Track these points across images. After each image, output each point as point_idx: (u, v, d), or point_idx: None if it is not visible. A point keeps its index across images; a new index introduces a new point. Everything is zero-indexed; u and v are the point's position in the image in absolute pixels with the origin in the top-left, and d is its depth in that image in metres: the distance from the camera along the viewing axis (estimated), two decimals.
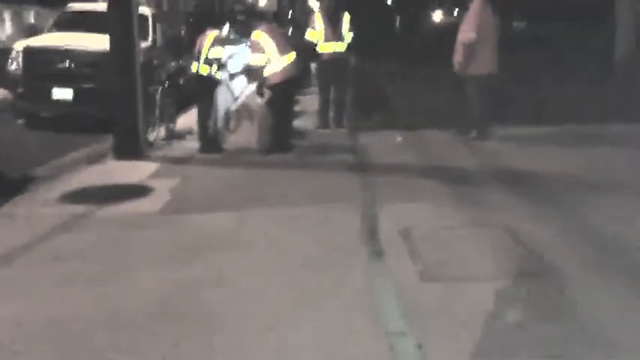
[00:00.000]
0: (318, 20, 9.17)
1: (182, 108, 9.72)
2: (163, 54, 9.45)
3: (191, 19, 12.68)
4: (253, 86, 8.50)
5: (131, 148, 7.89)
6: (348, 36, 9.20)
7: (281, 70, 7.64)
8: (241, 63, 8.39)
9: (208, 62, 7.86)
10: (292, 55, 7.74)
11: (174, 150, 8.39)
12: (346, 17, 9.20)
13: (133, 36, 7.74)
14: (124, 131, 7.87)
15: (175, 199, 6.12)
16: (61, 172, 7.35)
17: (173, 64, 9.37)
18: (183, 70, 9.26)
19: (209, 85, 7.92)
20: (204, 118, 7.96)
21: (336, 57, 9.11)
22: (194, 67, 8.05)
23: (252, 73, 7.64)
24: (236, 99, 8.70)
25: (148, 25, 11.21)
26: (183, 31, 11.76)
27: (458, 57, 8.24)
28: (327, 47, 9.11)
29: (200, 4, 15.07)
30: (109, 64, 7.99)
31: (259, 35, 7.64)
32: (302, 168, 7.10)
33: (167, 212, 5.75)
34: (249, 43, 7.96)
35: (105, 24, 7.94)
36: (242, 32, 10.68)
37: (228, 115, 8.56)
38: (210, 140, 8.05)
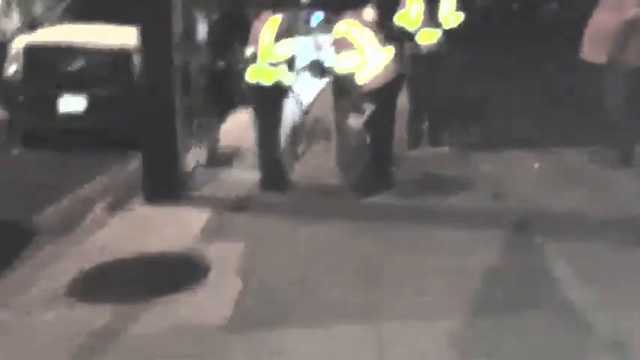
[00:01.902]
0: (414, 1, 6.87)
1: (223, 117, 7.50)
2: (201, 50, 7.21)
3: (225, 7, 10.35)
4: (327, 93, 6.26)
5: (168, 185, 5.69)
6: (451, 20, 6.90)
7: (383, 71, 5.34)
8: (310, 58, 6.16)
9: (274, 64, 5.62)
10: (392, 48, 5.49)
11: (222, 184, 6.17)
12: None
13: (171, 29, 5.53)
14: (157, 161, 5.66)
15: (251, 292, 3.84)
16: (69, 225, 5.18)
17: (215, 62, 7.12)
18: (230, 70, 7.04)
19: (275, 96, 5.67)
20: (268, 141, 5.72)
21: (433, 50, 6.84)
22: (251, 74, 5.75)
23: (343, 82, 5.32)
24: (305, 111, 6.45)
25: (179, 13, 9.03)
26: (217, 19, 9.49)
27: (602, 43, 5.97)
28: (423, 37, 6.84)
29: None
30: (131, 64, 5.85)
31: (347, 28, 5.33)
32: (430, 221, 4.87)
33: (243, 327, 3.45)
34: (331, 41, 5.67)
35: (128, 12, 5.72)
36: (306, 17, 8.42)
37: (294, 133, 6.33)
38: (276, 171, 5.84)
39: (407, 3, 6.87)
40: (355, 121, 5.27)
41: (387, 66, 5.34)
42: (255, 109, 5.82)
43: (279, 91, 5.67)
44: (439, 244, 4.42)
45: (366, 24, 5.38)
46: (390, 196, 5.42)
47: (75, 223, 5.22)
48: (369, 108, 5.18)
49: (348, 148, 5.59)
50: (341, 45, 5.30)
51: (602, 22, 6.08)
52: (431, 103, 7.09)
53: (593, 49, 6.14)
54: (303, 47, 6.17)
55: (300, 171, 6.21)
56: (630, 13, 5.82)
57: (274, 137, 5.71)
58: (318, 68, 5.91)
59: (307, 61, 6.12)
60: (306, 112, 6.46)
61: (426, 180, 5.88)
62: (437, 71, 6.88)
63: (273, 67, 5.58)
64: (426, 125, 7.23)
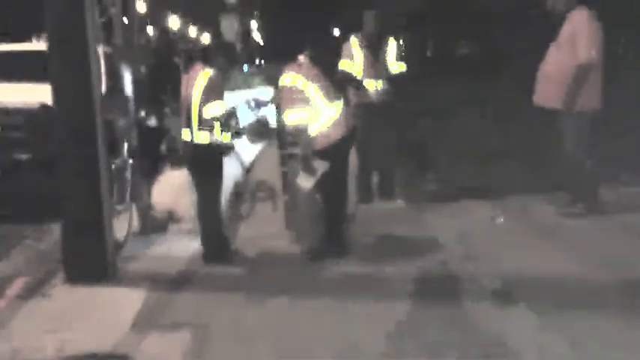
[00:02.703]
0: (356, 48, 6.43)
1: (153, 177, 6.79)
2: (128, 106, 6.52)
3: (154, 58, 9.69)
4: (270, 150, 5.69)
5: (93, 262, 4.94)
6: (394, 68, 6.50)
7: (334, 126, 4.83)
8: (248, 115, 5.57)
9: (207, 124, 4.97)
10: (340, 101, 4.98)
11: (158, 256, 5.45)
12: (392, 44, 6.51)
13: (91, 85, 4.85)
14: (80, 232, 4.91)
15: None
16: None
17: (145, 118, 6.45)
18: (161, 127, 6.37)
19: (212, 156, 5.02)
20: (209, 208, 5.06)
21: (380, 98, 6.39)
22: (185, 134, 5.12)
23: (291, 139, 4.74)
24: (247, 170, 5.84)
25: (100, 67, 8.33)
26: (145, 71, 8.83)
27: (555, 88, 5.68)
28: (369, 85, 6.39)
29: (163, 34, 11.81)
30: (49, 123, 5.12)
31: (294, 78, 4.82)
32: (399, 292, 4.28)
33: None
34: (273, 94, 5.13)
35: (43, 69, 5.03)
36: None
37: (237, 192, 5.71)
38: (220, 243, 5.18)
39: (349, 51, 6.47)
40: (306, 182, 4.70)
41: (337, 120, 4.83)
42: (191, 171, 5.19)
43: (217, 150, 5.04)
44: (415, 319, 3.87)
45: (308, 75, 4.87)
46: (347, 264, 4.84)
47: None
48: (321, 167, 4.63)
49: (299, 210, 5.02)
50: (287, 98, 4.75)
51: (553, 67, 5.78)
52: (379, 154, 6.63)
53: (545, 95, 5.83)
54: (241, 105, 5.57)
55: (246, 235, 5.56)
56: (583, 57, 5.54)
57: (215, 205, 5.07)
58: (261, 128, 5.34)
59: (246, 120, 5.52)
60: (248, 170, 5.85)
61: (384, 241, 5.32)
62: (384, 120, 6.46)
63: (205, 129, 4.97)
64: (375, 178, 6.77)
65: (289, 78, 4.78)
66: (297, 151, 4.71)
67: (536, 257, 4.81)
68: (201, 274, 4.91)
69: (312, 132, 4.74)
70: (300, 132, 4.70)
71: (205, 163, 4.99)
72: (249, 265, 5.05)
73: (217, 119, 4.94)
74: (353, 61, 6.42)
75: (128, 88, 6.17)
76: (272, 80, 5.42)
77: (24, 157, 7.02)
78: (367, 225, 5.66)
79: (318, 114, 4.76)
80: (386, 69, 6.45)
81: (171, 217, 6.60)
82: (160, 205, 6.60)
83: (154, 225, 6.19)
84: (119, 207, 5.82)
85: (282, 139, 5.54)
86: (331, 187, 4.78)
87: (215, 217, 5.08)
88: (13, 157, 7.03)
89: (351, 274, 4.68)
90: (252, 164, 5.79)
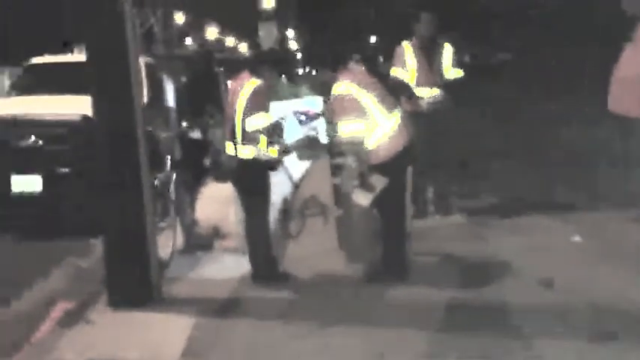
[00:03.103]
0: (409, 54, 6.08)
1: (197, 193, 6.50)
2: (170, 118, 6.28)
3: (194, 67, 9.45)
4: (321, 164, 5.35)
5: (137, 284, 4.67)
6: (451, 75, 6.12)
7: (394, 138, 4.46)
8: (300, 129, 5.24)
9: (251, 138, 4.66)
10: (398, 112, 4.62)
11: (204, 278, 5.16)
12: (448, 49, 6.14)
13: (132, 96, 4.59)
14: (122, 253, 4.64)
15: None
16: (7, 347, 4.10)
17: (187, 130, 6.18)
18: (205, 139, 6.09)
19: (258, 173, 4.72)
20: (256, 228, 4.75)
21: (436, 106, 6.02)
22: (229, 148, 4.82)
23: (350, 150, 4.42)
24: (296, 185, 5.52)
25: (141, 78, 8.12)
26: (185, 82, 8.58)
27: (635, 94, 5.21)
28: (423, 93, 6.03)
29: (202, 44, 11.64)
30: (92, 135, 4.91)
31: (348, 87, 4.46)
32: (475, 324, 3.84)
33: None
34: (327, 102, 4.80)
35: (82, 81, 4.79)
36: (294, 77, 7.52)
37: (286, 210, 5.39)
38: (269, 264, 4.88)
39: (401, 58, 6.11)
40: (363, 199, 4.36)
41: (396, 132, 4.46)
42: (237, 188, 4.90)
43: (263, 166, 4.72)
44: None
45: (364, 83, 4.52)
46: (407, 288, 4.46)
47: (17, 343, 4.15)
48: (379, 183, 4.28)
49: (354, 229, 4.68)
50: (341, 108, 4.41)
51: (632, 71, 5.33)
52: (436, 166, 6.25)
53: (625, 102, 5.37)
54: (289, 117, 5.24)
55: (296, 255, 5.22)
56: None
57: (262, 224, 4.76)
58: (311, 145, 5.02)
59: (295, 135, 5.20)
60: (297, 186, 5.53)
61: (447, 262, 4.93)
62: (440, 130, 6.08)
63: (249, 143, 4.65)
64: (430, 192, 6.39)
65: (343, 86, 4.45)
66: (350, 161, 4.35)
67: (629, 284, 4.25)
68: (251, 298, 4.59)
69: (369, 145, 4.40)
70: (355, 145, 4.36)
71: (251, 179, 4.69)
72: (301, 287, 4.71)
73: (261, 132, 4.63)
74: (405, 68, 6.07)
75: (170, 100, 5.93)
76: (320, 89, 5.08)
77: (66, 170, 6.87)
78: (426, 243, 5.27)
79: (375, 125, 4.41)
80: (441, 76, 6.08)
81: (216, 234, 6.32)
82: (205, 221, 6.34)
83: (199, 242, 5.92)
84: (162, 224, 5.57)
85: (333, 150, 5.21)
86: (390, 204, 4.42)
87: (263, 236, 4.77)
88: (55, 171, 6.88)
89: (413, 300, 4.30)
90: (302, 179, 5.46)
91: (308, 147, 5.06)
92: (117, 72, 4.57)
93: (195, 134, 5.68)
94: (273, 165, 4.75)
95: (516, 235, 5.34)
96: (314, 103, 5.42)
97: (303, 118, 5.13)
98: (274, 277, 4.76)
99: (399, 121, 4.50)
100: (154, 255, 4.74)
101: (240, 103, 4.69)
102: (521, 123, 7.41)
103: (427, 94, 6.01)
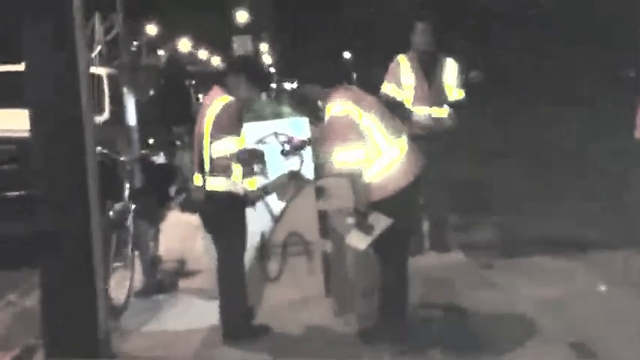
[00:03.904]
0: (405, 69, 5.35)
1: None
2: (130, 138, 5.43)
3: (162, 80, 8.63)
4: (305, 195, 4.57)
5: (82, 340, 3.82)
6: (454, 96, 5.41)
7: (397, 169, 3.68)
8: (281, 163, 4.44)
9: (220, 167, 3.85)
10: (405, 139, 3.88)
11: (164, 329, 4.30)
12: (451, 65, 5.43)
13: (81, 115, 3.77)
14: (63, 301, 3.80)
15: None
16: None
17: (150, 153, 5.34)
18: (170, 166, 5.26)
19: (231, 209, 3.91)
20: (228, 275, 3.93)
21: (435, 129, 5.30)
22: (196, 179, 4.04)
23: (344, 185, 3.65)
24: (277, 218, 4.75)
25: (103, 91, 7.30)
26: (151, 97, 7.75)
27: None
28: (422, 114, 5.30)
29: (173, 55, 10.79)
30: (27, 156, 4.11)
31: (345, 107, 3.67)
32: None
33: None
34: (314, 124, 4.05)
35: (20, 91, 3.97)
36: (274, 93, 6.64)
37: (263, 247, 4.60)
38: (244, 314, 4.05)
39: (395, 74, 5.38)
40: (359, 241, 3.58)
41: (402, 162, 3.69)
42: (205, 226, 4.11)
43: (236, 201, 3.92)
44: None
45: (364, 103, 3.75)
46: (411, 352, 3.69)
47: None
48: (380, 223, 3.52)
49: (347, 276, 3.92)
50: (337, 132, 3.62)
51: None
52: (432, 195, 5.51)
53: None
54: (269, 143, 4.45)
55: (275, 303, 4.43)
56: None
57: (236, 270, 3.95)
58: (295, 185, 4.23)
59: (275, 169, 4.41)
60: (277, 219, 4.76)
61: (453, 318, 4.15)
62: (436, 155, 5.35)
63: (219, 174, 3.86)
64: (425, 224, 5.64)
65: (339, 106, 3.67)
66: (343, 197, 3.56)
67: None
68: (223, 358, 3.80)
69: (369, 178, 3.62)
70: (353, 178, 3.59)
71: (221, 217, 3.90)
72: (280, 346, 3.93)
73: (231, 160, 3.83)
74: (400, 85, 5.34)
75: (131, 117, 5.12)
76: (306, 108, 4.32)
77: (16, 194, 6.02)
78: (424, 289, 4.51)
79: (378, 154, 3.65)
80: (442, 95, 5.36)
81: (181, 270, 5.53)
82: (168, 255, 5.53)
83: (162, 283, 5.11)
84: (117, 263, 4.76)
85: (319, 172, 4.44)
86: (392, 248, 3.65)
87: (237, 284, 3.95)
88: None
89: None
90: (283, 210, 4.68)
91: (292, 186, 4.29)
92: (62, 84, 3.79)
93: (160, 158, 4.88)
94: (250, 200, 3.98)
95: (532, 283, 4.58)
96: (299, 125, 4.64)
97: (286, 147, 4.33)
98: (249, 334, 3.95)
99: (406, 148, 3.76)
100: (103, 300, 3.90)
101: (208, 125, 3.91)
102: (525, 146, 6.73)
103: (425, 114, 5.29)
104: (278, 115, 5.23)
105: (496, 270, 4.91)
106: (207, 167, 3.91)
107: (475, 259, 5.26)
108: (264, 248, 4.60)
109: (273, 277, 4.59)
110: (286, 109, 5.45)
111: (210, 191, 3.90)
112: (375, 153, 3.64)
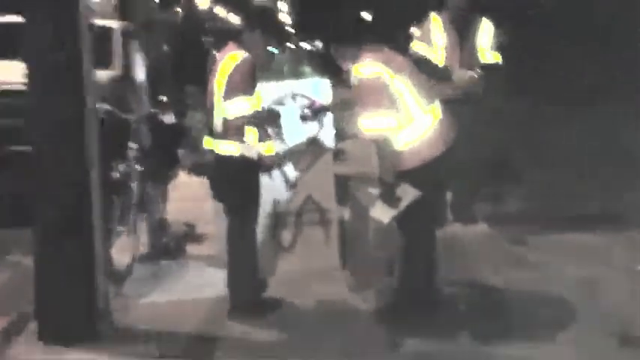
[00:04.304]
0: (438, 29, 4.95)
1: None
2: (140, 96, 5.06)
3: (178, 37, 8.26)
4: (323, 158, 4.25)
5: (79, 314, 3.57)
6: (489, 59, 5.00)
7: (429, 138, 3.35)
8: (301, 128, 4.09)
9: (232, 130, 3.53)
10: (438, 106, 3.50)
11: (169, 299, 4.04)
12: (486, 26, 5.01)
13: (81, 58, 3.45)
14: (58, 270, 3.52)
15: None
16: None
17: (159, 112, 5.00)
18: (179, 127, 4.93)
19: (244, 176, 3.60)
20: (239, 244, 3.63)
21: (468, 94, 4.91)
22: (206, 142, 3.73)
23: (380, 151, 3.29)
24: (292, 185, 4.43)
25: (110, 45, 6.91)
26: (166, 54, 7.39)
27: None
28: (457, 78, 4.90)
29: (190, 14, 10.34)
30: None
31: (376, 68, 3.32)
32: None
33: None
34: (336, 87, 3.69)
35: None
36: (299, 55, 6.19)
37: (277, 216, 4.30)
38: (254, 286, 3.77)
39: (427, 33, 4.99)
40: (383, 214, 3.26)
41: (436, 130, 3.36)
42: (215, 192, 3.79)
43: (253, 167, 3.61)
44: None
45: (396, 64, 3.39)
46: (437, 332, 3.37)
47: None
48: (407, 195, 3.20)
49: (367, 248, 3.61)
50: (366, 96, 3.28)
51: None
52: (458, 163, 5.13)
53: None
54: (288, 106, 4.11)
55: (288, 276, 4.12)
56: None
57: (248, 240, 3.66)
58: (317, 152, 3.90)
59: (294, 135, 4.10)
60: (292, 185, 4.45)
61: (480, 295, 3.83)
62: (468, 121, 4.96)
63: (231, 137, 3.54)
64: (449, 194, 5.30)
65: (369, 67, 3.31)
66: (371, 166, 3.22)
67: None
68: (229, 334, 3.53)
69: (399, 146, 3.28)
70: (382, 146, 3.25)
71: (233, 183, 3.58)
72: (291, 322, 3.66)
73: (246, 123, 3.52)
74: (432, 45, 4.96)
75: (141, 73, 4.77)
76: (327, 68, 3.96)
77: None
78: (447, 263, 4.18)
79: (409, 120, 3.30)
80: (475, 57, 4.97)
81: (189, 235, 5.25)
82: (177, 219, 5.25)
83: (168, 247, 4.84)
84: (121, 227, 4.48)
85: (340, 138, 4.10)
86: (420, 222, 3.34)
87: (248, 254, 3.66)
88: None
89: (440, 352, 3.26)
90: (300, 177, 4.36)
91: (310, 154, 3.96)
92: (61, 36, 3.46)
93: (169, 118, 4.55)
94: (266, 166, 3.67)
95: (568, 261, 4.23)
96: (319, 87, 4.27)
97: (306, 111, 3.96)
98: (258, 308, 3.68)
99: (440, 115, 3.40)
100: (102, 265, 3.62)
101: (220, 83, 3.57)
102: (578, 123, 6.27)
103: (456, 77, 4.90)
104: (297, 75, 4.86)
105: (528, 247, 4.54)
106: (218, 129, 3.59)
107: (502, 233, 4.92)
108: (278, 216, 4.31)
109: (286, 247, 4.30)
110: (306, 68, 5.08)
111: (221, 155, 3.59)
112: (406, 119, 3.29)
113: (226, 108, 3.52)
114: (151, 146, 4.62)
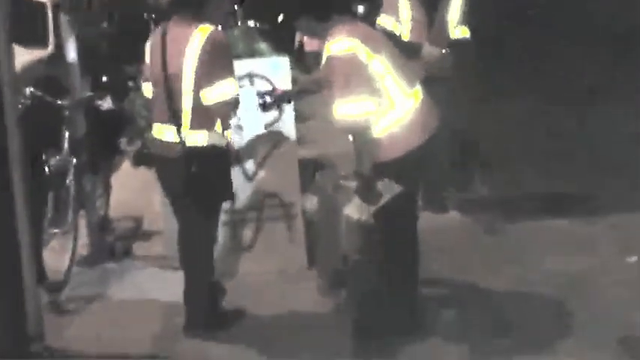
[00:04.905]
0: (405, 1, 4.54)
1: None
2: (72, 78, 4.45)
3: (116, 12, 7.61)
4: (284, 144, 3.81)
5: (6, 336, 3.06)
6: (457, 34, 4.62)
7: (411, 125, 2.94)
8: (259, 118, 3.64)
9: (208, 117, 3.10)
10: (419, 89, 3.08)
11: (112, 309, 3.61)
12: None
13: None
14: None
15: None
16: None
17: (97, 96, 4.40)
18: (120, 112, 4.36)
19: (213, 167, 3.12)
20: (200, 247, 3.20)
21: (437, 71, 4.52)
22: (159, 132, 3.20)
23: (358, 141, 2.88)
24: (250, 177, 3.97)
25: (46, 21, 6.27)
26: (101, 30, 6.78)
27: None
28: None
29: None
30: None
31: (351, 44, 2.88)
32: None
33: None
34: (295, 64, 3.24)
35: None
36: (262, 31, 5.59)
37: (235, 211, 3.81)
38: (211, 295, 3.28)
39: (394, 5, 4.57)
40: (359, 211, 2.86)
41: (419, 115, 2.97)
42: (173, 187, 3.26)
43: (220, 157, 3.16)
44: None
45: (372, 41, 2.97)
46: (420, 346, 3.04)
47: None
48: (387, 190, 2.79)
49: (339, 247, 3.19)
50: (341, 77, 2.84)
51: None
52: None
53: None
54: (246, 91, 3.55)
55: (249, 280, 3.69)
56: None
57: (209, 242, 3.22)
58: (278, 144, 3.51)
59: (252, 126, 3.68)
60: (251, 178, 3.99)
61: (468, 299, 3.44)
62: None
63: (204, 126, 3.09)
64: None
65: (343, 43, 2.87)
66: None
67: None
68: (184, 354, 3.08)
69: (377, 134, 2.87)
70: (359, 135, 2.84)
71: (199, 177, 3.07)
72: (254, 335, 3.22)
73: (226, 109, 3.09)
74: (398, 18, 4.55)
75: (72, 52, 4.21)
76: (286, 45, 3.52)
77: None
78: (426, 260, 3.80)
79: (390, 106, 2.89)
80: (444, 33, 4.58)
81: (136, 232, 4.75)
82: (121, 214, 4.73)
83: (112, 248, 4.33)
84: (55, 229, 3.95)
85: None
86: (401, 220, 2.95)
87: (206, 260, 3.21)
88: None
89: None
90: (258, 168, 3.90)
91: (270, 142, 3.53)
92: None
93: (107, 103, 4.00)
94: (231, 155, 3.23)
95: (550, 251, 3.92)
96: (279, 66, 3.80)
97: (267, 99, 3.48)
98: (217, 321, 3.24)
99: (421, 99, 3.00)
100: (32, 283, 3.13)
101: (189, 63, 3.04)
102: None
103: (427, 54, 4.50)
104: (253, 54, 4.35)
105: (506, 237, 4.21)
106: (185, 118, 3.08)
107: (474, 222, 4.57)
108: (236, 212, 3.84)
109: (246, 247, 3.84)
110: (262, 46, 4.59)
111: (190, 147, 3.08)
112: (386, 104, 2.87)
113: (206, 93, 3.03)
114: (87, 135, 4.08)
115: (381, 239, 2.94)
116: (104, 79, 4.81)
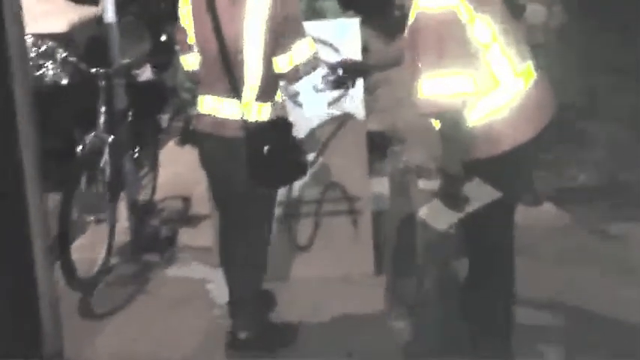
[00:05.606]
0: None
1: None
2: (110, 45, 3.86)
3: None
4: (348, 128, 3.19)
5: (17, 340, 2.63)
6: None
7: (519, 113, 2.20)
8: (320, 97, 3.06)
9: (273, 87, 2.57)
10: (532, 68, 2.33)
11: (149, 321, 3.14)
12: None
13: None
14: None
15: None
16: None
17: (135, 66, 3.81)
18: (162, 85, 3.80)
19: (275, 147, 2.53)
20: (246, 247, 2.65)
21: None
22: (211, 105, 2.61)
23: (443, 127, 2.17)
24: (311, 162, 3.37)
25: None
26: None
27: None
28: None
29: None
30: None
31: (449, 1, 2.12)
32: None
33: None
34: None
35: None
36: None
37: (291, 204, 3.24)
38: (258, 309, 2.76)
39: None
40: (442, 219, 2.23)
41: (529, 101, 2.24)
42: (215, 173, 2.76)
43: (282, 134, 2.61)
44: None
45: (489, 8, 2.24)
46: None
47: None
48: (481, 195, 2.16)
49: (414, 252, 2.59)
50: (432, 40, 2.12)
51: None
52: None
53: None
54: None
55: (305, 286, 3.17)
56: None
57: (262, 241, 2.70)
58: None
59: (314, 105, 3.10)
60: (312, 163, 3.40)
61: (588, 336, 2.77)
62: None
63: (268, 98, 2.57)
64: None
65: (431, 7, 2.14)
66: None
67: None
68: None
69: (474, 121, 2.20)
70: (448, 122, 2.15)
71: (272, 157, 2.53)
72: (308, 355, 2.67)
73: (304, 70, 2.56)
74: None
75: (110, 12, 3.67)
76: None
77: None
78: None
79: (493, 85, 2.20)
80: None
81: (183, 216, 4.24)
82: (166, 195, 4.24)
83: (156, 236, 3.85)
84: (90, 217, 3.49)
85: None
86: (492, 235, 2.29)
87: (258, 265, 2.70)
88: None
89: None
90: (318, 154, 3.31)
91: (333, 123, 2.91)
92: None
93: (147, 74, 3.46)
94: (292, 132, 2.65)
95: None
96: (345, 30, 3.16)
97: (340, 73, 2.83)
98: (267, 337, 2.72)
99: (534, 79, 2.29)
100: (47, 284, 2.63)
101: (255, 23, 2.49)
102: None
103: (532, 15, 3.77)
104: (320, 14, 3.71)
105: (621, 241, 3.45)
106: (252, 91, 2.54)
107: (575, 218, 3.83)
108: (292, 205, 3.27)
109: (302, 247, 3.27)
110: (329, 4, 3.94)
111: (255, 123, 2.55)
112: (488, 83, 2.19)
113: (279, 59, 2.51)
114: (125, 110, 3.56)
115: (465, 254, 2.32)
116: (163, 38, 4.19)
